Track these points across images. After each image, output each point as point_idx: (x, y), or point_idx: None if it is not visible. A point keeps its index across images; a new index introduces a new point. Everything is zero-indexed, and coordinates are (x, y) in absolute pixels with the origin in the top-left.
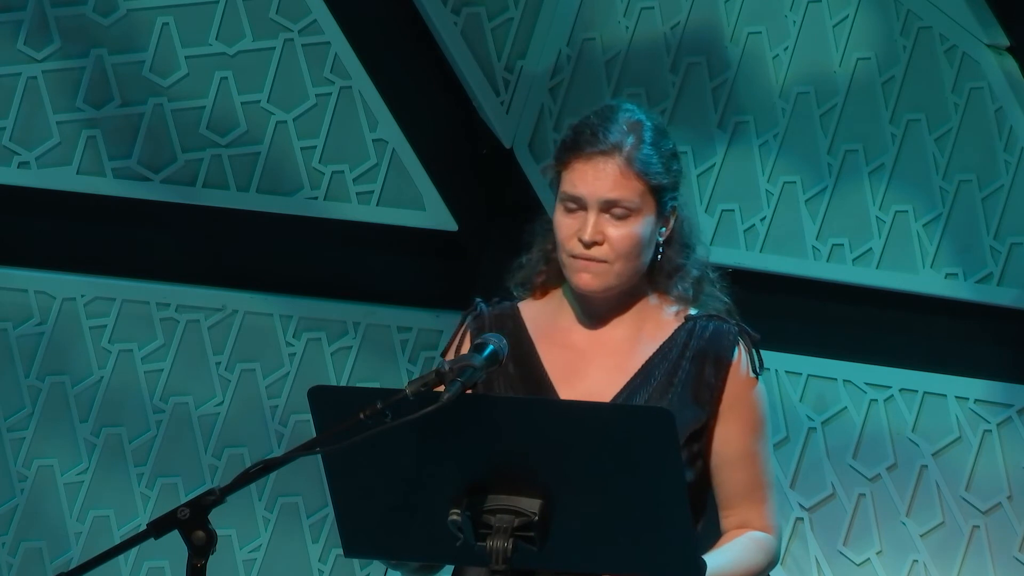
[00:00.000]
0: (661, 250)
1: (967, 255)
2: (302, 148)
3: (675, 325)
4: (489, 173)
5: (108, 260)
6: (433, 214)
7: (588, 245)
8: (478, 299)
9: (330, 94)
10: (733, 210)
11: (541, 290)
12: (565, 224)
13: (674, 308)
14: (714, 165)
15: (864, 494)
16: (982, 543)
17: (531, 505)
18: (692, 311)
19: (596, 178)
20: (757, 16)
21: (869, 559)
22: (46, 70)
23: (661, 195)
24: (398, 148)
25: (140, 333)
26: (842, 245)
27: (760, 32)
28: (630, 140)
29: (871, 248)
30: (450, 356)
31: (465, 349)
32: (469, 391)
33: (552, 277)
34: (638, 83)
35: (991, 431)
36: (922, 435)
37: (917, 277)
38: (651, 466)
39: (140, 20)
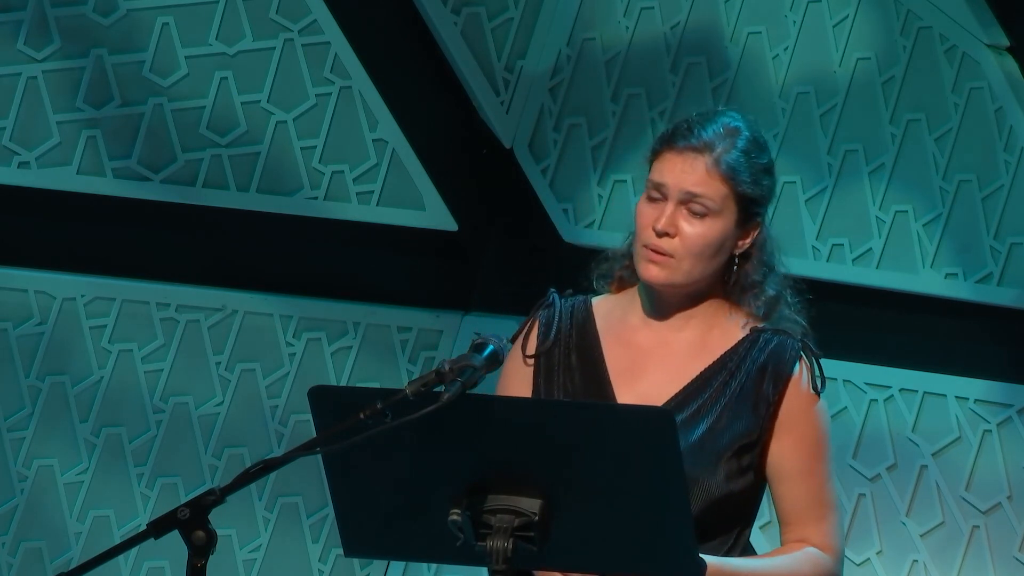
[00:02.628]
0: (737, 262)
1: (967, 255)
2: (302, 148)
3: (740, 336)
4: (489, 173)
5: (108, 260)
6: (433, 214)
7: (660, 234)
8: (552, 290)
9: (330, 94)
10: None
11: (618, 284)
12: (644, 212)
13: (743, 321)
14: None
15: (864, 494)
16: (982, 543)
17: (531, 505)
18: (761, 325)
19: (683, 170)
20: (757, 16)
21: (869, 559)
22: (46, 70)
23: (745, 205)
24: (398, 148)
25: (140, 333)
26: (842, 245)
27: (760, 32)
28: (724, 143)
29: (871, 248)
30: (517, 344)
31: (532, 340)
32: (469, 391)
33: (631, 272)
34: (638, 83)
35: (991, 431)
36: (922, 435)
37: (917, 277)
38: (651, 466)
39: (140, 20)
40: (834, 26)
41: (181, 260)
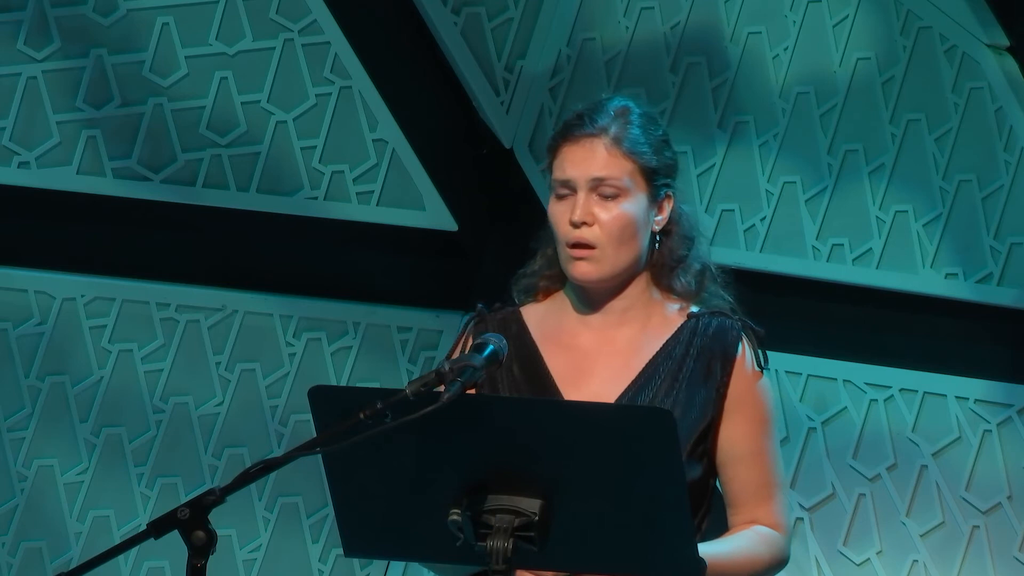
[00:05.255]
0: (659, 240)
1: (967, 255)
2: (302, 148)
3: (679, 322)
4: (489, 173)
5: (108, 260)
6: (433, 214)
7: (577, 225)
8: (480, 303)
9: (330, 94)
10: (733, 210)
11: (544, 293)
12: (557, 211)
13: (677, 305)
14: (714, 165)
15: (864, 494)
16: (982, 543)
17: (531, 505)
18: (695, 308)
19: (584, 158)
20: (757, 16)
21: (869, 559)
22: (46, 70)
23: (652, 178)
24: (398, 148)
25: (140, 333)
26: (842, 245)
27: (760, 32)
28: (617, 123)
29: (871, 248)
30: None
31: None
32: (469, 391)
33: (554, 280)
34: (638, 83)
35: (991, 431)
36: (922, 435)
37: (917, 277)
38: (651, 466)
39: (140, 20)
40: (834, 26)
41: (181, 260)
